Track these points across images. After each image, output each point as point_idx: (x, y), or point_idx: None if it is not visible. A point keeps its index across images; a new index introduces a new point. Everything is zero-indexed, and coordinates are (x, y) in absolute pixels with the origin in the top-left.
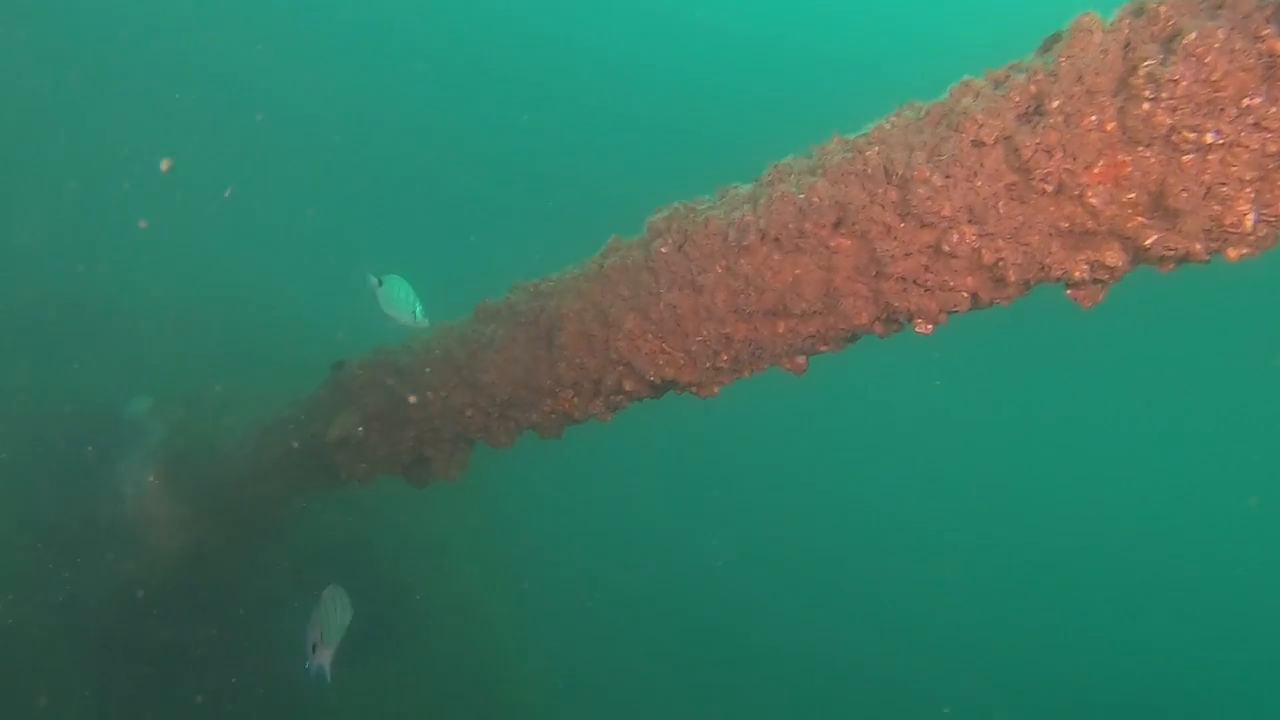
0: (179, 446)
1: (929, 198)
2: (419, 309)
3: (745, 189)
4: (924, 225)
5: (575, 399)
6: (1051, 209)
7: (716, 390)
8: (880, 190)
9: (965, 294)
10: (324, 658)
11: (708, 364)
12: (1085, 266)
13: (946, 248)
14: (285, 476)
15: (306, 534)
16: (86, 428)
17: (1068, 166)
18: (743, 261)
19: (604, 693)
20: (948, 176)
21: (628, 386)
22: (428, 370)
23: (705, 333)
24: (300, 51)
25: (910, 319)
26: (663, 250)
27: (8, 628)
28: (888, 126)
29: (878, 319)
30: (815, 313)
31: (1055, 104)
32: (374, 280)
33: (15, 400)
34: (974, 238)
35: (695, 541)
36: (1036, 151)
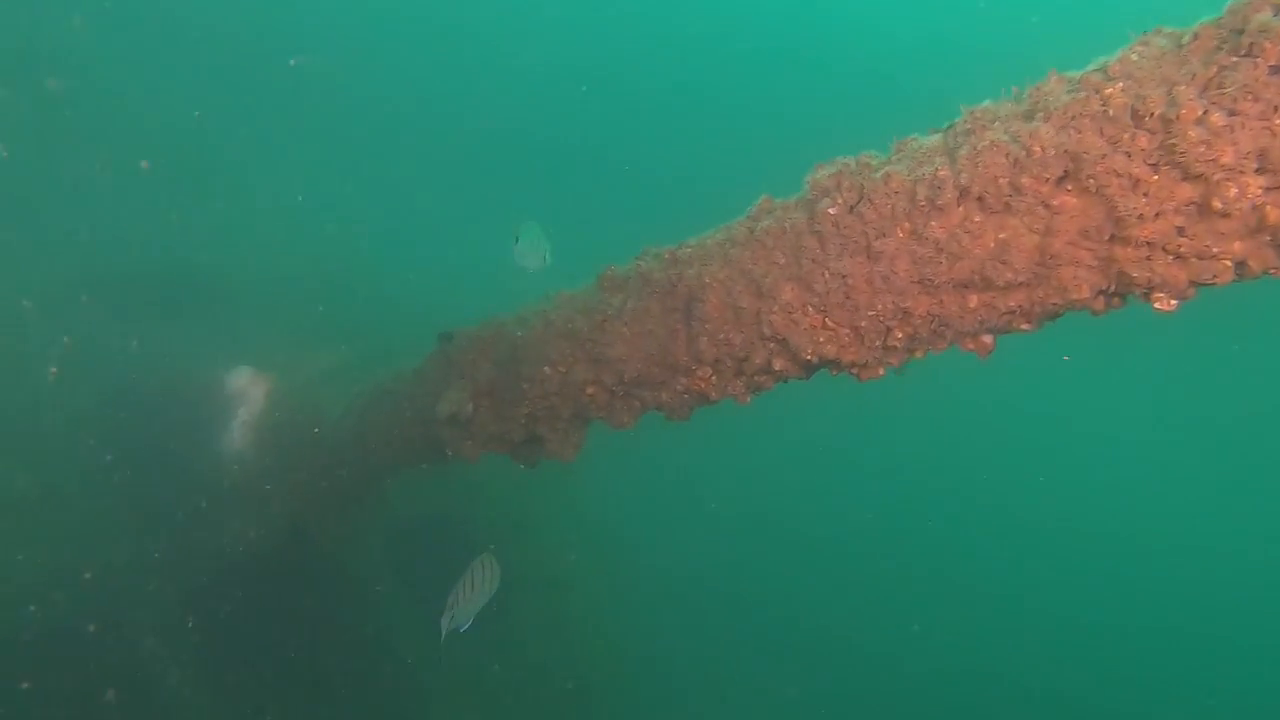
0: (279, 417)
1: (1203, 142)
2: (549, 255)
3: (932, 140)
4: (1189, 177)
5: (713, 378)
6: None
7: (881, 372)
8: (1125, 136)
9: (1229, 262)
10: (457, 618)
11: (877, 342)
12: None
13: (1219, 204)
14: (388, 451)
15: (398, 508)
16: (188, 398)
17: None
18: (933, 224)
19: (682, 669)
20: (1232, 114)
21: (777, 366)
22: (547, 343)
23: (879, 306)
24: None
25: (1147, 293)
26: (831, 211)
27: (110, 592)
28: (1134, 58)
29: (1102, 292)
30: (1021, 284)
31: None
32: (513, 234)
33: (118, 371)
34: (1259, 192)
35: (782, 525)
36: None
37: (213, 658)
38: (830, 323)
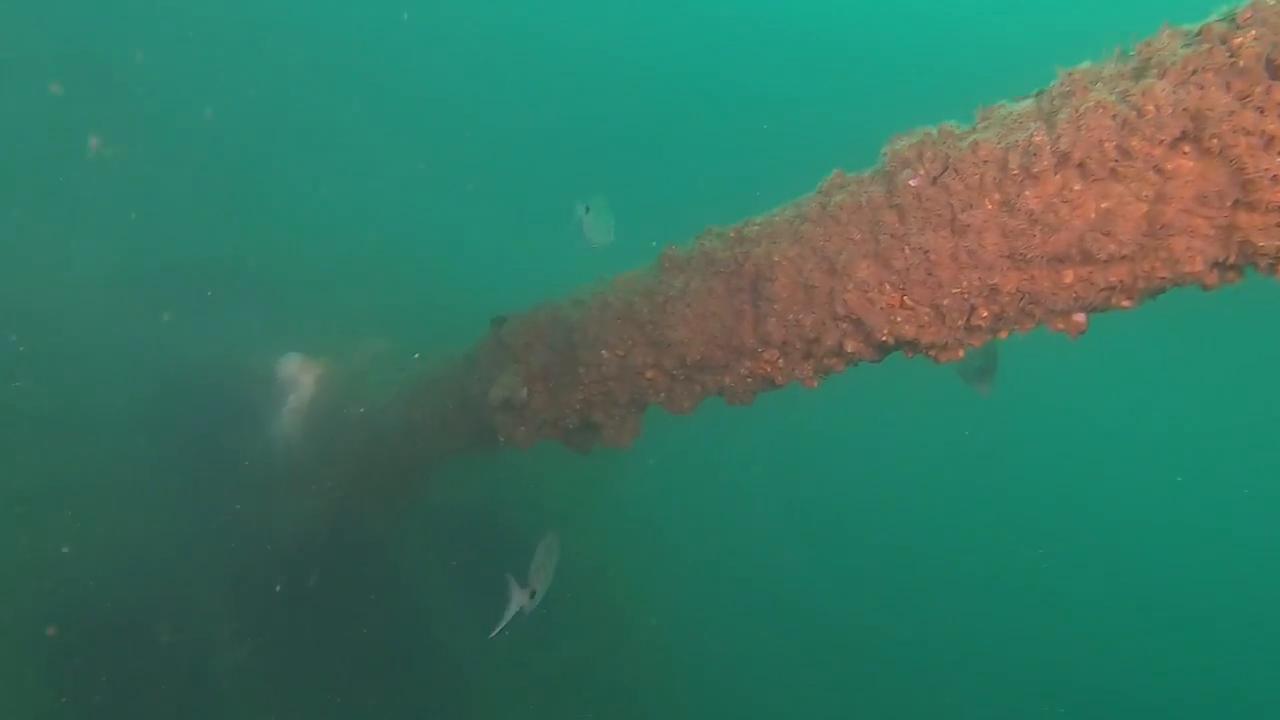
0: (328, 403)
1: None
2: (613, 231)
3: (1024, 105)
4: None
5: (780, 361)
6: None
7: (961, 354)
8: (1258, 89)
9: None
10: (520, 599)
11: (959, 322)
12: None
13: None
14: (437, 438)
15: (442, 496)
16: (238, 386)
17: None
18: (1027, 194)
19: (722, 658)
20: None
21: (849, 348)
22: (604, 326)
23: (965, 283)
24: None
25: (1275, 263)
26: (912, 183)
27: (160, 576)
28: (1270, 2)
29: (1218, 264)
30: (1125, 257)
31: None
32: (582, 208)
33: (170, 359)
34: None
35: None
36: None
37: (259, 642)
38: (909, 301)
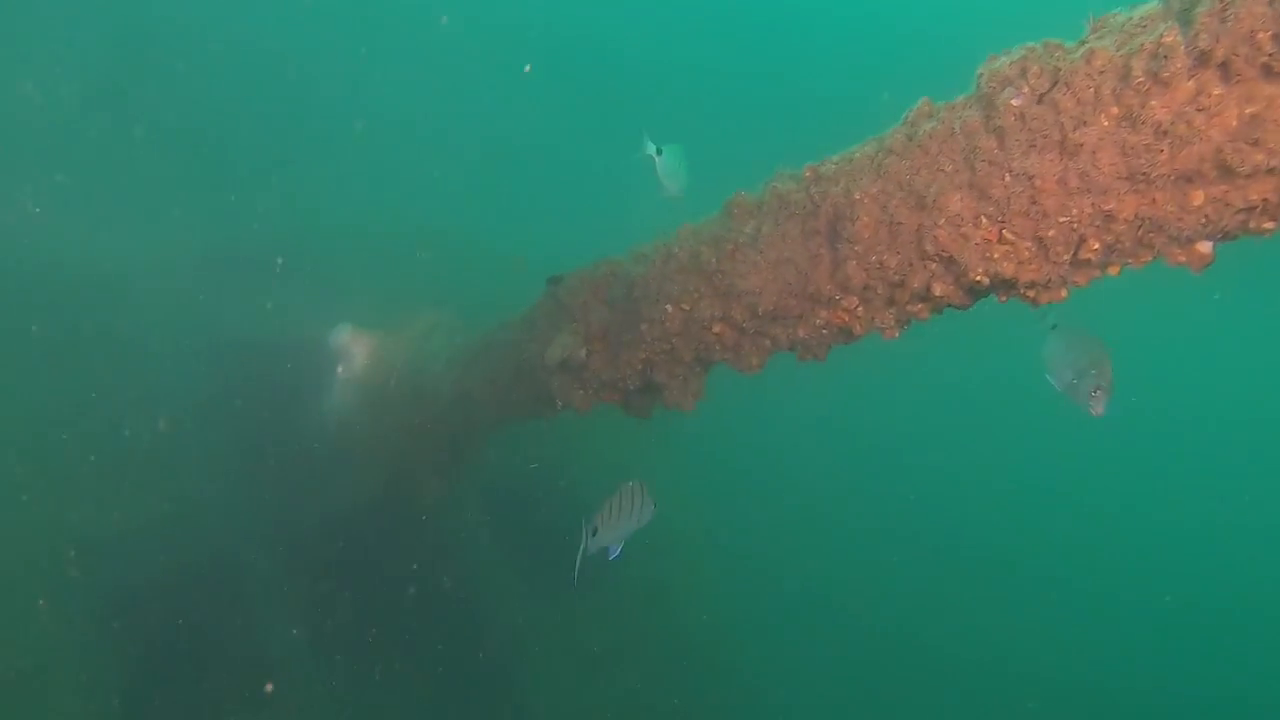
0: (379, 373)
1: None
2: (685, 179)
3: (1149, 7)
4: None
5: (860, 309)
6: None
7: (1064, 294)
8: None
9: None
10: (602, 538)
11: (1065, 256)
12: None
13: None
14: (492, 404)
15: (493, 466)
16: (291, 357)
17: None
18: (1154, 104)
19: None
20: None
21: (937, 290)
22: (668, 279)
23: (1074, 211)
24: None
25: None
26: (1015, 103)
27: (221, 548)
28: None
29: None
30: (1272, 170)
31: None
32: (653, 148)
33: (222, 331)
34: None
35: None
36: None
37: (314, 613)
38: (1009, 235)
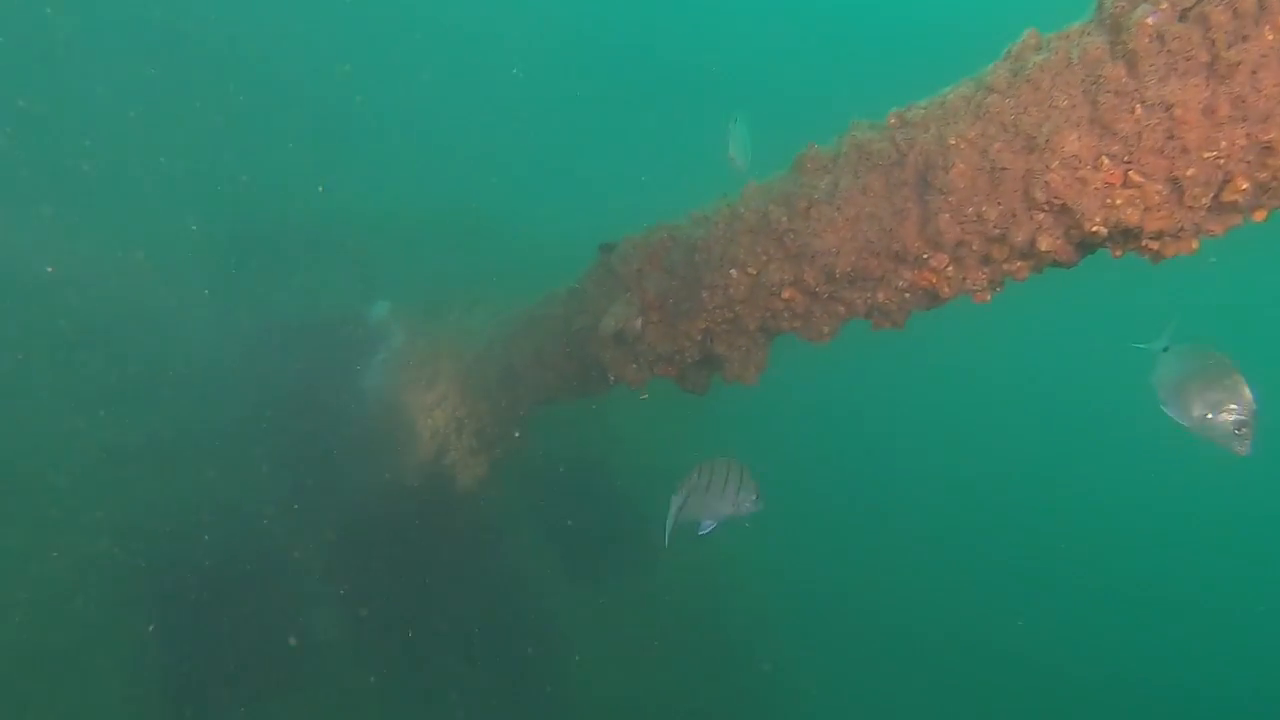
0: (420, 349)
1: None
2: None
3: None
4: None
5: (950, 268)
6: None
7: (1195, 245)
8: None
9: None
10: (689, 509)
11: (1204, 199)
12: None
13: None
14: (539, 382)
15: (535, 451)
16: (329, 336)
17: None
18: None
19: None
20: None
21: (1043, 245)
22: (733, 242)
23: (1223, 144)
24: None
25: None
26: (1150, 21)
27: (262, 527)
28: None
29: None
30: None
31: None
32: (732, 119)
33: (264, 311)
34: None
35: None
36: None
37: (355, 599)
38: (1136, 176)
